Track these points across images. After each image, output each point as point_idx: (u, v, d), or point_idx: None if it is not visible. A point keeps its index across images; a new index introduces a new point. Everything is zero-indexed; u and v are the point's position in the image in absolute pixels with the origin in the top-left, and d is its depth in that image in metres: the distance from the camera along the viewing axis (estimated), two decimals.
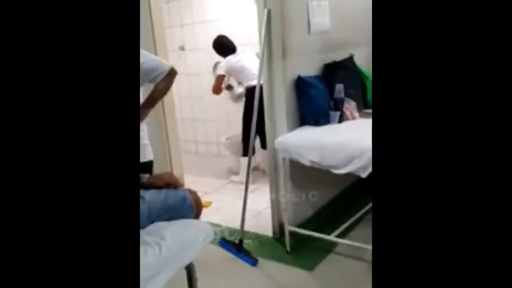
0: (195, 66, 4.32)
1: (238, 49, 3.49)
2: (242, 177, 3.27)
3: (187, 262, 1.40)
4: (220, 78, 3.53)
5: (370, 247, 2.03)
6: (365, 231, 2.38)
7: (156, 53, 2.38)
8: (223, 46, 3.51)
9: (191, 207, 1.51)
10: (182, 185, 1.65)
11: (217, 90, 3.56)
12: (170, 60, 2.84)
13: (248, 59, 3.41)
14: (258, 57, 2.42)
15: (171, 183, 1.56)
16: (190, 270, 1.49)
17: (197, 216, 1.54)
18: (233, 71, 3.47)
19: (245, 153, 3.31)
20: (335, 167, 2.01)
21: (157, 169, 2.35)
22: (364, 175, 1.91)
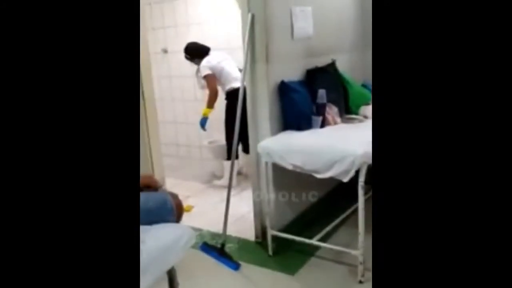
0: (178, 68, 4.30)
1: (211, 51, 3.49)
2: (225, 181, 3.26)
3: (168, 266, 1.38)
4: (211, 77, 3.40)
5: (351, 251, 2.05)
6: (347, 235, 2.40)
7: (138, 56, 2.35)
8: (197, 50, 3.50)
9: (172, 210, 1.48)
10: (162, 187, 1.63)
11: (215, 89, 3.42)
12: (153, 63, 2.82)
13: (227, 61, 3.42)
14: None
15: (151, 185, 1.54)
16: (171, 275, 1.48)
17: (178, 219, 1.52)
18: (215, 72, 3.40)
19: (228, 157, 3.29)
20: (317, 172, 2.03)
21: None
22: (345, 179, 1.92)
